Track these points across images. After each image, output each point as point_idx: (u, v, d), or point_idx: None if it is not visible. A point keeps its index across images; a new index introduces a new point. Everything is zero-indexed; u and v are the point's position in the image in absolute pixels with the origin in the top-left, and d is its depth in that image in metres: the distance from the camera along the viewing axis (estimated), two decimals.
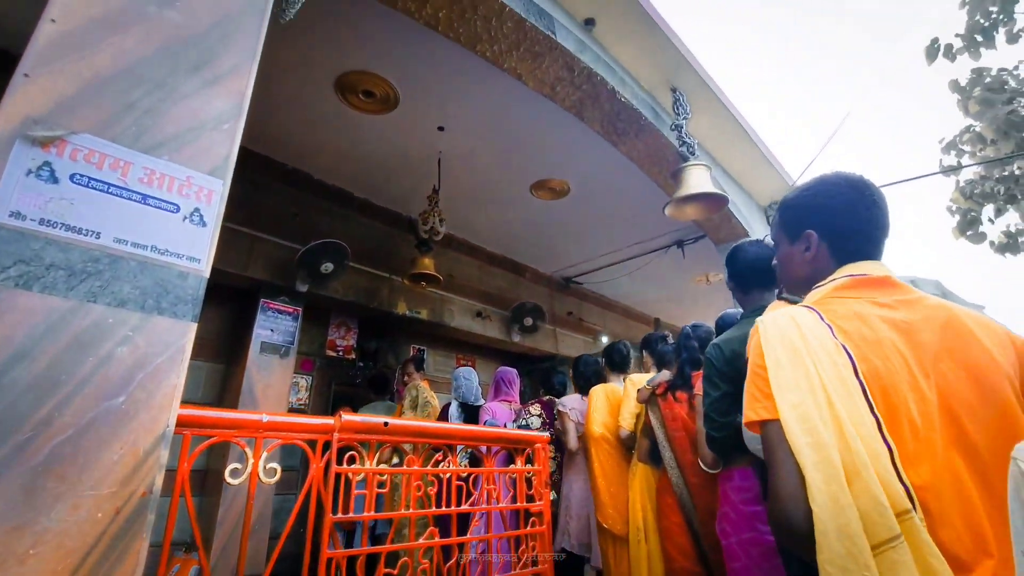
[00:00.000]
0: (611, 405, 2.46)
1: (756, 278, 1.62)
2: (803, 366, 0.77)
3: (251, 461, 1.15)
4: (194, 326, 1.02)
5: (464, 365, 6.01)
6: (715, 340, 1.54)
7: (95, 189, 0.97)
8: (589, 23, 2.84)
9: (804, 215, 1.02)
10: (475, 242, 5.74)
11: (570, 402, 2.75)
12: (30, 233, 0.88)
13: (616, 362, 2.75)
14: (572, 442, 2.62)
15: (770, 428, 0.77)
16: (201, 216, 1.09)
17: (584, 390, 2.73)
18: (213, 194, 1.12)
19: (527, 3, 2.46)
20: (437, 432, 1.48)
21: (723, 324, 1.88)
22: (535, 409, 2.83)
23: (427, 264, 3.99)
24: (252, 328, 3.89)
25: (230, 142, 1.19)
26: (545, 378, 3.20)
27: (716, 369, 1.46)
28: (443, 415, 3.23)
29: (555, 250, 5.97)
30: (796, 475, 0.70)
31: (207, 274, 1.07)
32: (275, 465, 1.19)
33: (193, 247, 1.06)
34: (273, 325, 4.00)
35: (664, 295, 7.22)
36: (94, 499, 0.83)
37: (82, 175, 0.96)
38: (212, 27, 1.25)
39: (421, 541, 1.37)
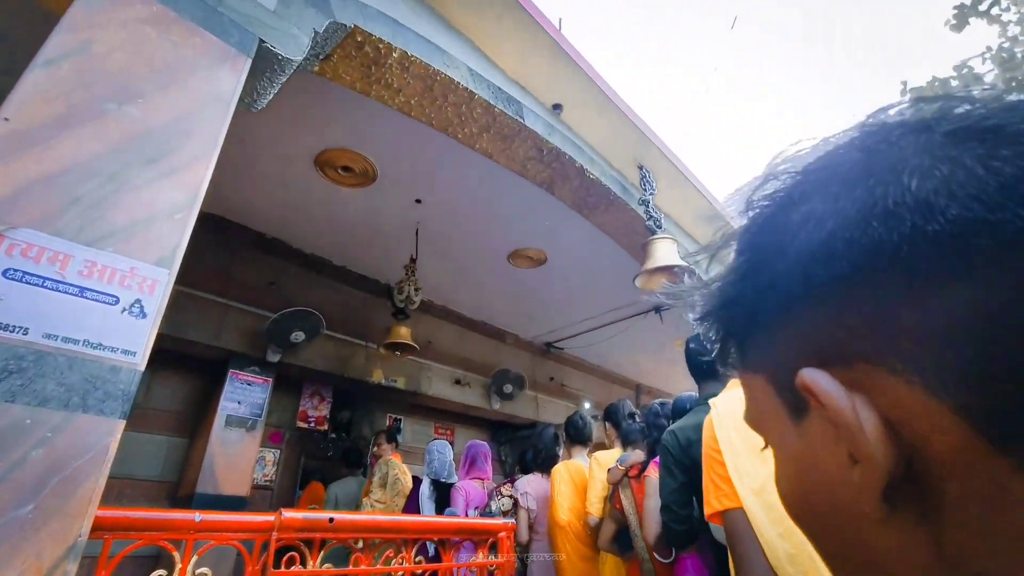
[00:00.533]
0: (576, 487, 2.35)
1: (702, 371, 1.62)
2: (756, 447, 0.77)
3: (178, 566, 1.07)
4: (122, 423, 0.98)
5: (441, 435, 5.83)
6: (671, 427, 1.51)
7: (29, 284, 0.96)
8: (557, 107, 3.01)
9: None
10: (454, 308, 5.74)
11: (525, 485, 2.60)
12: None
13: (573, 435, 2.66)
14: (522, 534, 2.45)
15: (733, 517, 0.74)
16: (142, 307, 1.08)
17: (540, 465, 2.63)
18: (157, 284, 1.12)
19: (496, 91, 2.61)
20: (389, 527, 1.40)
21: (678, 408, 1.85)
22: (507, 490, 2.70)
23: (403, 333, 3.96)
24: (218, 400, 3.75)
25: (181, 232, 1.20)
26: (520, 455, 3.07)
27: (673, 457, 1.43)
28: (414, 493, 3.07)
29: (535, 316, 5.99)
30: (766, 570, 0.66)
31: (142, 367, 1.05)
32: (205, 570, 1.11)
33: (129, 339, 1.04)
34: (241, 397, 3.87)
35: (645, 360, 7.20)
36: None
37: (16, 270, 0.95)
38: (172, 121, 1.29)
39: None
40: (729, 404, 0.89)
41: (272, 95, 1.87)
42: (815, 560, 0.63)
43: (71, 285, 1.01)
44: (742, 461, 0.78)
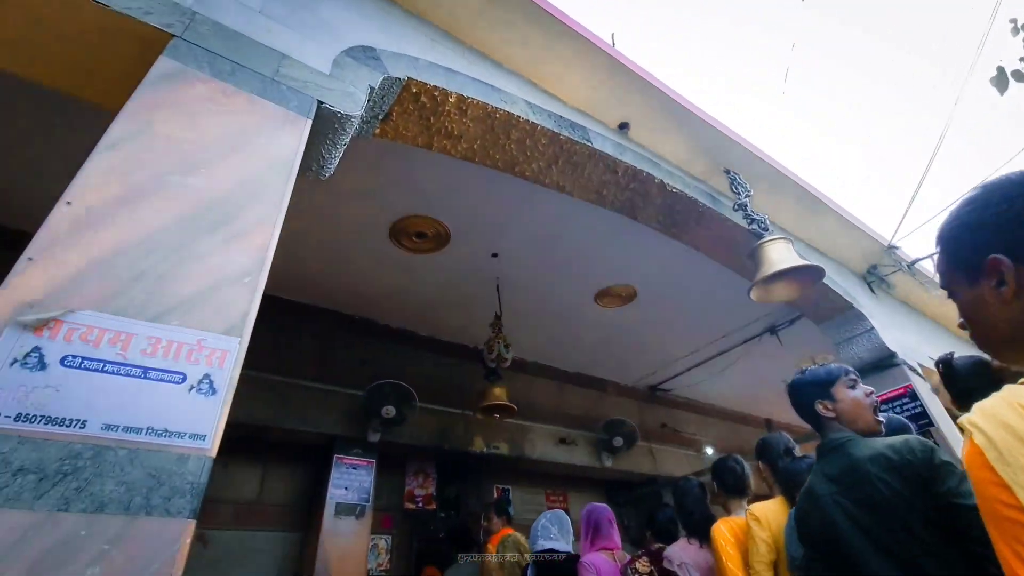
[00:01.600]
0: (744, 547, 1.87)
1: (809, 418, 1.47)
2: None
3: None
4: (192, 524, 0.81)
5: (554, 503, 5.38)
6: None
7: (88, 369, 0.85)
8: (624, 127, 2.82)
9: (980, 237, 0.71)
10: (547, 363, 5.47)
11: (677, 553, 2.11)
12: (1, 433, 0.74)
13: (731, 485, 2.18)
14: None
15: None
16: (211, 383, 0.94)
17: (693, 530, 2.14)
18: (227, 355, 0.98)
19: (558, 119, 2.47)
20: None
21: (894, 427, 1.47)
22: (643, 566, 2.24)
23: (498, 394, 3.73)
24: (326, 488, 3.68)
25: (250, 297, 1.08)
26: (650, 517, 2.60)
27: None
28: None
29: (633, 359, 5.55)
30: None
31: (214, 453, 0.89)
32: None
33: (198, 422, 0.89)
34: (347, 482, 3.77)
35: (768, 391, 6.37)
36: None
37: (75, 356, 0.85)
38: (236, 187, 1.22)
39: None
40: (1008, 424, 0.56)
41: (337, 160, 1.83)
42: None
43: (133, 367, 0.89)
44: None
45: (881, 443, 1.36)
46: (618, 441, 5.21)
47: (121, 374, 0.87)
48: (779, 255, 2.54)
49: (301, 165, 1.47)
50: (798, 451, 1.98)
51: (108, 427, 0.82)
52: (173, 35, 1.39)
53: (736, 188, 2.98)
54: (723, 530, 1.93)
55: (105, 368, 0.87)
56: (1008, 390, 0.60)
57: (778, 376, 5.84)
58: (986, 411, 0.59)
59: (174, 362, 0.93)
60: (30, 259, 0.89)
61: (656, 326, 4.88)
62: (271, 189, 1.29)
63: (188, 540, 0.80)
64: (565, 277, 4.08)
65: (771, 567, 1.73)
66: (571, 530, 2.72)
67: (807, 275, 2.56)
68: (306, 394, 3.86)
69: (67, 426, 0.79)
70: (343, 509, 3.66)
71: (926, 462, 1.21)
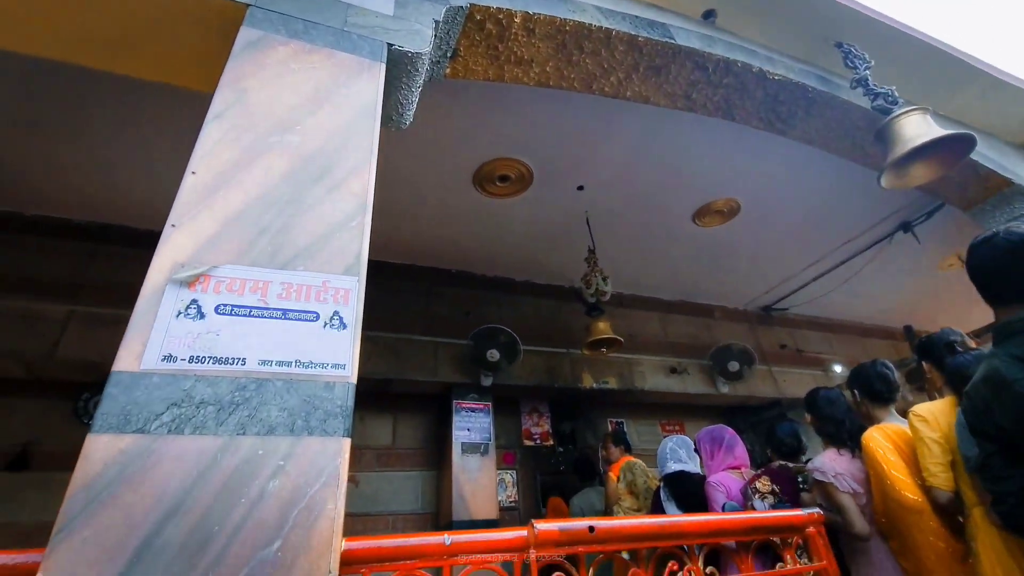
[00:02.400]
0: (905, 456, 1.70)
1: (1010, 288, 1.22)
2: None
3: None
4: (347, 442, 0.89)
5: (671, 432, 5.34)
6: None
7: (238, 315, 0.94)
8: (709, 15, 2.51)
9: None
10: (648, 294, 5.31)
11: (830, 464, 1.94)
12: (180, 374, 0.85)
13: (880, 391, 1.98)
14: (860, 525, 1.78)
15: None
16: (340, 319, 1.00)
17: (846, 439, 1.96)
18: (350, 293, 1.04)
19: (634, 20, 2.26)
20: (662, 531, 1.10)
21: None
22: (763, 485, 2.12)
23: (602, 328, 3.70)
24: (451, 430, 3.96)
25: (359, 239, 1.13)
26: (769, 434, 2.44)
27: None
28: (655, 506, 2.70)
29: (741, 280, 5.20)
30: None
31: (354, 379, 0.95)
32: None
33: (336, 353, 0.96)
34: (469, 424, 4.03)
35: (904, 296, 5.69)
36: None
37: (225, 304, 0.94)
38: (328, 138, 1.26)
39: None
40: None
41: (414, 105, 1.83)
42: None
43: (274, 309, 0.97)
44: None
45: None
46: (733, 366, 5.00)
47: (265, 316, 0.96)
48: (915, 129, 2.17)
49: (382, 116, 1.49)
50: (970, 343, 1.73)
51: (264, 362, 0.91)
52: (248, 4, 1.43)
53: (852, 62, 2.56)
54: (877, 437, 1.75)
55: (251, 313, 0.95)
56: None
57: (915, 279, 5.19)
58: None
59: (306, 303, 1.00)
60: (173, 226, 0.99)
61: (765, 241, 4.49)
62: (360, 136, 1.31)
63: (346, 456, 0.88)
64: (658, 199, 3.86)
65: (950, 468, 1.54)
66: (696, 453, 2.68)
67: (953, 148, 2.17)
68: (419, 348, 4.11)
69: (231, 364, 0.89)
70: (468, 448, 3.92)
71: None
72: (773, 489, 2.16)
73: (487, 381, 4.15)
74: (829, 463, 1.92)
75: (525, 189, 3.62)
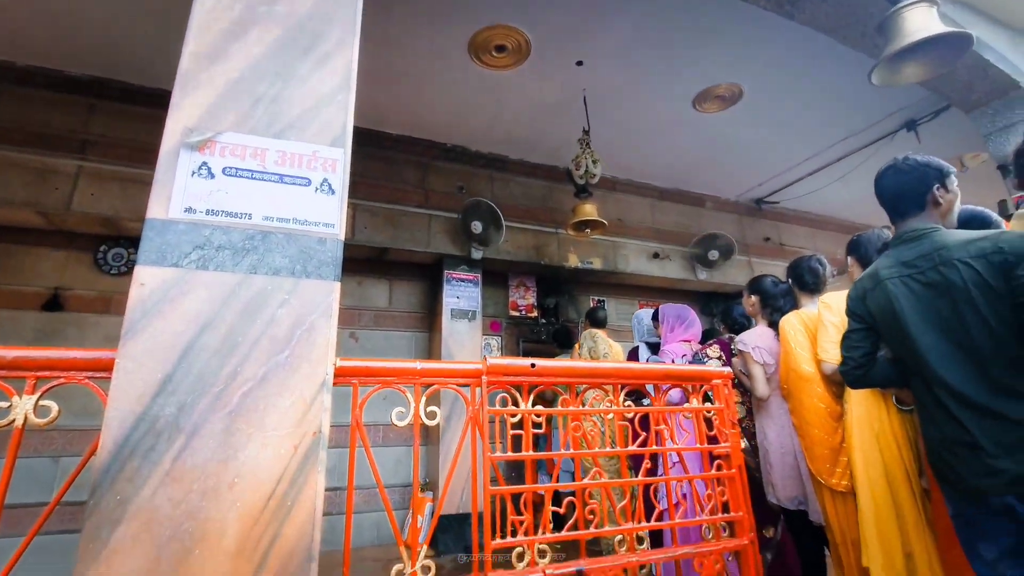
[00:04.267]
0: (811, 335, 2.01)
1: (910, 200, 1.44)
2: None
3: (412, 405, 1.23)
4: (338, 285, 1.11)
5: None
6: None
7: (242, 177, 1.11)
8: None
9: None
10: (640, 180, 5.37)
11: (752, 338, 2.30)
12: (201, 223, 1.05)
13: (807, 282, 2.23)
14: (761, 388, 2.21)
15: None
16: (329, 185, 1.17)
17: (771, 322, 2.29)
18: (336, 163, 1.20)
19: None
20: (589, 372, 1.39)
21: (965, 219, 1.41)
22: (713, 351, 2.49)
23: (588, 211, 3.85)
24: (442, 297, 4.31)
25: (344, 113, 1.25)
26: (725, 313, 2.79)
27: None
28: (632, 359, 3.13)
29: (737, 170, 5.22)
30: None
31: (342, 236, 1.16)
32: (435, 409, 1.26)
33: (326, 214, 1.15)
34: (459, 293, 4.37)
35: None
36: (276, 438, 0.97)
37: (231, 167, 1.10)
38: (313, 10, 1.31)
39: (586, 482, 1.32)
40: None
41: None
42: None
43: (272, 174, 1.14)
44: None
45: (975, 233, 1.33)
46: (713, 254, 5.25)
47: (265, 180, 1.13)
48: (918, 23, 2.13)
49: None
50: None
51: (267, 218, 1.10)
52: None
53: None
54: (792, 320, 2.06)
55: (253, 176, 1.12)
56: None
57: None
58: None
59: (299, 170, 1.16)
60: (179, 96, 1.11)
61: (766, 130, 4.45)
62: (344, 10, 1.36)
63: (336, 295, 1.11)
64: (659, 81, 3.77)
65: (839, 346, 1.85)
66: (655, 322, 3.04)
67: (949, 48, 2.15)
68: (414, 219, 4.30)
69: (239, 217, 1.08)
70: (457, 314, 4.31)
71: (1020, 252, 1.18)
72: (720, 355, 2.55)
73: (477, 254, 4.41)
74: (753, 338, 2.26)
75: (522, 61, 3.52)
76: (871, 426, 1.75)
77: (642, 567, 1.35)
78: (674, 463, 2.05)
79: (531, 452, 1.29)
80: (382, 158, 4.34)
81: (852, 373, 1.54)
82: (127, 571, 0.84)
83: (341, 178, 1.19)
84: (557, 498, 1.33)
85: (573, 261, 4.83)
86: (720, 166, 5.10)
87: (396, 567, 1.12)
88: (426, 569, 1.14)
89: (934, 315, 1.29)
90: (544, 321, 5.14)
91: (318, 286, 1.09)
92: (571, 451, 1.37)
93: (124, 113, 3.58)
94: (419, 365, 1.25)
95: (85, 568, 0.83)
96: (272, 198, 1.12)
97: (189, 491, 0.90)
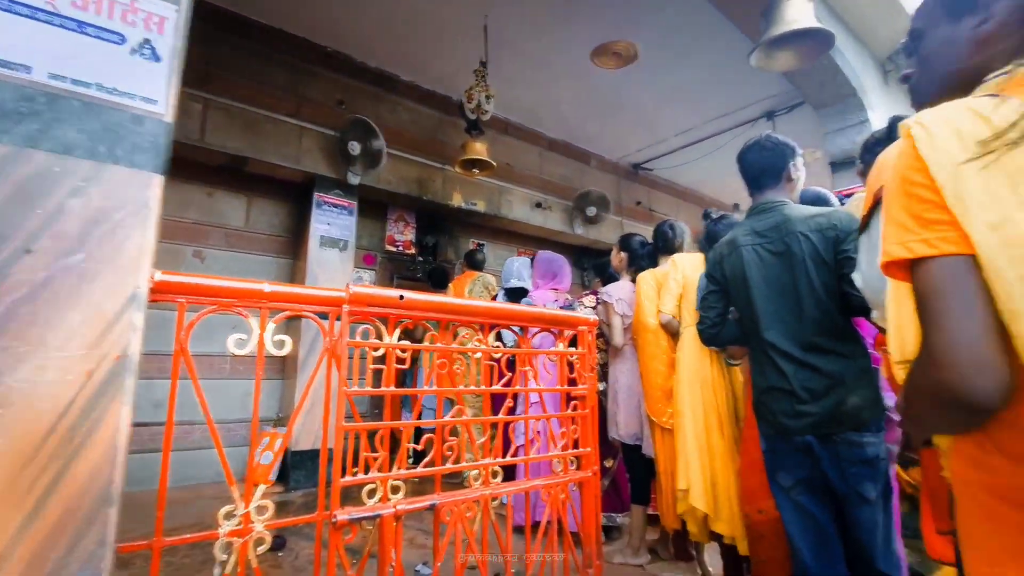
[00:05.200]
0: (660, 291, 2.25)
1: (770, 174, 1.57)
2: (1003, 170, 0.52)
3: (256, 332, 1.07)
4: (160, 179, 0.89)
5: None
6: None
7: (18, 15, 0.81)
8: None
9: None
10: (533, 127, 5.32)
11: (616, 291, 2.50)
12: None
13: (661, 245, 2.47)
14: (617, 337, 2.43)
15: (940, 265, 0.54)
16: (153, 49, 0.92)
17: (634, 277, 2.50)
18: (165, 22, 0.94)
19: None
20: (461, 310, 1.34)
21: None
22: (588, 301, 2.64)
23: (478, 148, 3.72)
24: (310, 222, 3.92)
25: None
26: (601, 268, 2.96)
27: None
28: None
29: (622, 132, 5.42)
30: (985, 328, 0.51)
31: (170, 119, 0.92)
32: (283, 338, 1.11)
33: (146, 85, 0.90)
34: (330, 219, 4.01)
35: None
36: (61, 361, 0.77)
37: None
38: None
39: (446, 419, 1.30)
40: (950, 118, 0.58)
41: None
42: None
43: (67, 19, 0.85)
44: (972, 187, 0.54)
45: (815, 209, 1.50)
46: (591, 211, 5.47)
47: (55, 24, 0.84)
48: (794, 14, 2.30)
49: None
50: (714, 215, 2.20)
51: (55, 76, 0.83)
52: None
53: None
54: (646, 277, 2.30)
55: (37, 15, 0.83)
56: (964, 100, 0.62)
57: None
58: (934, 111, 0.62)
59: (109, 20, 0.89)
60: None
61: (653, 96, 4.63)
62: None
63: (158, 192, 0.89)
64: (561, 27, 3.67)
65: (678, 301, 2.15)
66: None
67: (815, 42, 2.36)
68: (283, 129, 3.79)
69: (12, 69, 0.80)
70: (327, 242, 3.97)
71: (848, 230, 1.36)
72: (594, 306, 2.70)
73: (354, 179, 4.05)
74: (617, 291, 2.45)
75: None
76: (697, 374, 2.02)
77: (494, 499, 1.38)
78: (534, 402, 2.15)
79: (392, 388, 1.22)
80: (247, 51, 3.69)
81: (707, 332, 1.68)
82: None
83: (171, 44, 0.94)
84: (420, 436, 1.29)
85: (457, 200, 4.69)
86: (608, 126, 5.24)
87: (225, 508, 1.01)
88: (262, 510, 1.04)
89: (775, 281, 1.45)
90: (422, 259, 4.99)
91: (131, 176, 0.87)
92: (435, 388, 1.32)
93: None
94: (267, 288, 1.09)
95: None
96: (65, 51, 0.84)
97: None
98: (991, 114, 0.55)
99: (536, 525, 1.44)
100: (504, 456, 1.44)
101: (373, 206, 4.61)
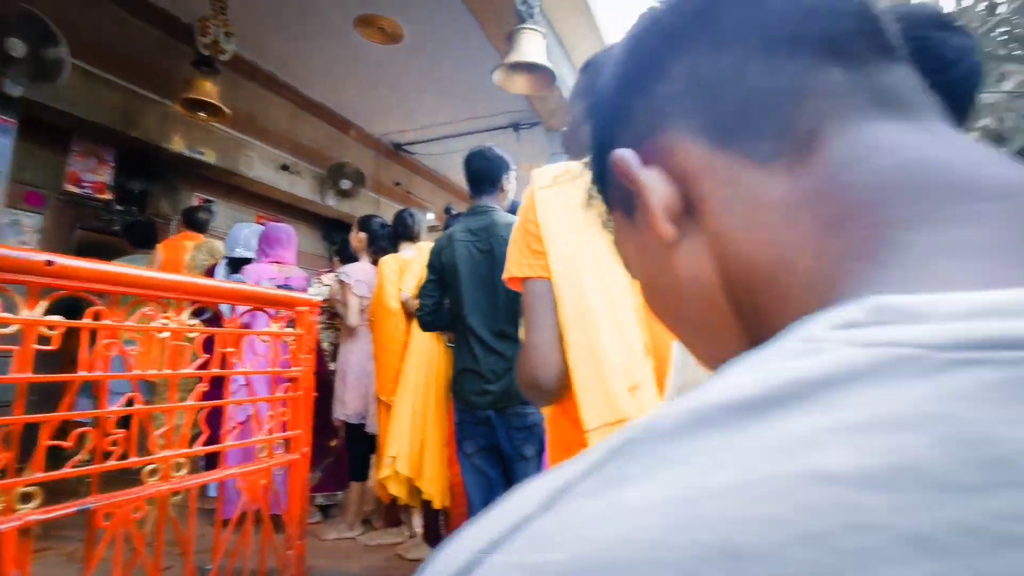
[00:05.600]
0: (401, 276, 2.37)
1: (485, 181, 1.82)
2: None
3: None
4: None
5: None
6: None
7: None
8: None
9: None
10: (285, 79, 4.81)
11: (356, 271, 2.52)
12: None
13: (400, 232, 2.58)
14: (352, 318, 2.47)
15: (533, 285, 0.79)
16: None
17: (374, 259, 2.56)
18: None
19: None
20: (145, 283, 1.16)
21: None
22: (327, 279, 2.59)
23: (208, 90, 3.19)
24: None
25: None
26: (342, 244, 2.92)
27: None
28: (209, 275, 2.79)
29: (384, 109, 5.35)
30: (555, 326, 0.74)
31: None
32: None
33: None
34: None
35: None
36: None
37: None
38: None
39: (113, 408, 1.12)
40: (558, 195, 0.88)
41: None
42: (592, 312, 0.74)
43: None
44: (556, 237, 0.80)
45: (515, 217, 1.82)
46: (346, 184, 5.28)
47: None
48: (529, 47, 2.66)
49: None
50: (453, 211, 2.48)
51: None
52: None
53: None
54: (389, 260, 2.39)
55: None
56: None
57: None
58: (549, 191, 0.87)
59: None
60: None
61: (415, 81, 4.70)
62: None
63: None
64: None
65: (418, 284, 2.28)
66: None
67: (543, 76, 2.78)
68: None
69: None
70: None
71: None
72: (333, 281, 2.63)
73: (15, 90, 3.00)
74: (356, 271, 2.48)
75: None
76: (424, 355, 2.21)
77: (175, 493, 1.26)
78: (241, 386, 2.00)
79: (29, 375, 0.99)
80: None
81: (424, 318, 1.85)
82: None
83: None
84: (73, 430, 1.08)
85: (179, 145, 3.93)
86: (370, 99, 5.11)
87: None
88: None
89: (479, 276, 1.69)
90: (121, 208, 4.01)
91: None
92: (100, 373, 1.12)
93: None
94: None
95: None
96: None
97: None
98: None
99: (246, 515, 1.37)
100: (207, 445, 1.32)
101: (48, 131, 3.51)
